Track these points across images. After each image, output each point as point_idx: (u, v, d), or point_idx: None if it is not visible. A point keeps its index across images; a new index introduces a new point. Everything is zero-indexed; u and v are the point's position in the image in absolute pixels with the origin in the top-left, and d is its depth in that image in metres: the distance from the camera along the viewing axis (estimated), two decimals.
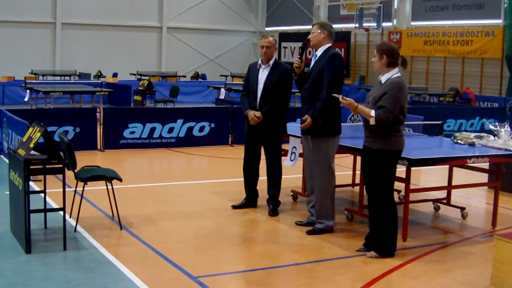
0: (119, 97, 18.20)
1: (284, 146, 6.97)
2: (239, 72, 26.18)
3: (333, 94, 5.59)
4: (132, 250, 5.50)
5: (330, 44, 6.05)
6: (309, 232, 6.10)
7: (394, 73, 5.29)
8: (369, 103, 5.35)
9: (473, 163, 6.18)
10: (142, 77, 22.53)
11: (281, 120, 6.78)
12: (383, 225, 5.40)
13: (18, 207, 5.43)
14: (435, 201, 7.35)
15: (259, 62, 6.82)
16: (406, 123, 5.52)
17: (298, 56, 6.08)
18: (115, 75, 24.48)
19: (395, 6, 23.90)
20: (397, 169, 5.55)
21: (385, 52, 5.30)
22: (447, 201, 7.31)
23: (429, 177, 9.25)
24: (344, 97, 5.40)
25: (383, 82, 5.31)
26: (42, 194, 5.92)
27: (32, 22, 26.00)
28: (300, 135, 6.48)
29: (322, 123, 5.87)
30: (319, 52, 6.05)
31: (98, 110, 11.85)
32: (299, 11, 28.95)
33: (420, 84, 22.19)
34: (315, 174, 6.05)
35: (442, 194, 7.56)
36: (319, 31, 6.02)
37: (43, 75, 23.52)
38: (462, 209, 7.06)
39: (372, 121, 5.18)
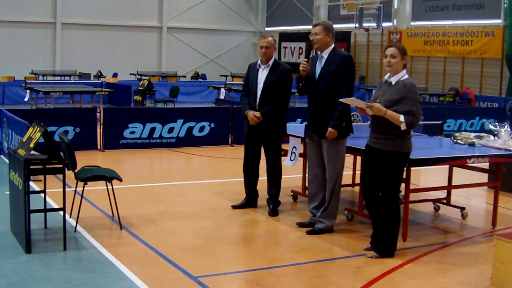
0: (119, 97, 18.20)
1: (284, 146, 6.97)
2: (239, 72, 26.21)
3: (342, 100, 5.59)
4: (132, 250, 5.50)
5: (334, 45, 6.05)
6: (309, 232, 6.10)
7: (403, 74, 5.30)
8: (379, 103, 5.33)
9: (473, 163, 6.19)
10: (142, 77, 22.55)
11: (281, 120, 6.78)
12: (385, 225, 5.40)
13: (18, 207, 5.43)
14: (435, 201, 7.35)
15: (259, 62, 6.81)
16: None
17: (306, 59, 5.97)
18: (115, 75, 24.49)
19: (395, 6, 23.90)
20: None
21: (406, 53, 5.35)
22: (447, 201, 7.31)
23: (429, 177, 9.25)
24: (371, 104, 5.31)
25: (393, 83, 5.30)
26: (42, 194, 5.92)
27: (32, 22, 26.01)
28: (302, 136, 6.49)
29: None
30: (325, 54, 6.01)
31: (98, 110, 11.85)
32: (299, 11, 28.95)
33: (420, 84, 22.16)
34: (329, 175, 6.02)
35: (442, 194, 7.56)
36: (324, 33, 5.96)
37: (43, 75, 23.53)
38: (462, 209, 7.06)
39: (403, 127, 5.17)
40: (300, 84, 6.09)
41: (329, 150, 5.98)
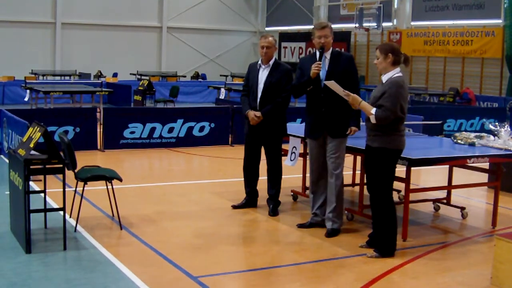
0: (119, 97, 18.20)
1: (284, 146, 6.97)
2: (239, 72, 26.20)
3: (325, 82, 5.64)
4: (132, 250, 5.50)
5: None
6: (328, 235, 6.02)
7: (395, 72, 5.30)
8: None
9: (473, 163, 6.19)
10: (142, 77, 22.55)
11: (281, 120, 6.78)
12: (382, 224, 5.41)
13: (18, 207, 5.43)
14: (435, 201, 7.35)
15: (259, 62, 6.81)
16: (406, 123, 5.53)
17: (319, 62, 5.89)
18: (115, 75, 24.49)
19: (395, 6, 23.90)
20: (397, 169, 5.55)
21: (390, 51, 5.31)
22: (447, 201, 7.31)
23: (429, 177, 9.25)
24: (348, 92, 5.47)
25: (384, 81, 5.34)
26: (42, 194, 5.91)
27: (32, 22, 26.02)
28: (302, 136, 6.48)
29: (343, 124, 5.95)
30: (328, 55, 6.00)
31: (98, 110, 11.85)
32: (299, 11, 28.96)
33: (420, 84, 22.19)
34: (335, 173, 6.01)
35: (442, 194, 7.56)
36: (332, 35, 6.00)
37: (43, 75, 23.53)
38: (462, 209, 7.06)
39: (372, 119, 5.24)
40: (310, 87, 5.96)
41: (336, 149, 5.98)
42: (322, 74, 5.96)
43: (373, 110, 5.23)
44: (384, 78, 5.35)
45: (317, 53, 5.98)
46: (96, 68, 25.30)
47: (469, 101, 18.98)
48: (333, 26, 6.15)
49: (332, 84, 5.59)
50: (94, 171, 6.18)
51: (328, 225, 6.13)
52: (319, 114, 6.02)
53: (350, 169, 8.27)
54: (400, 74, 5.30)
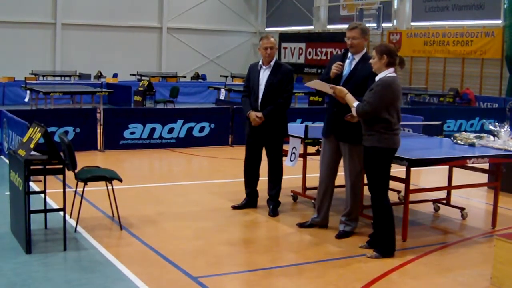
0: (119, 97, 18.21)
1: (284, 147, 6.96)
2: (239, 73, 26.21)
3: (307, 84, 5.63)
4: (132, 250, 5.50)
5: (365, 49, 6.02)
6: (338, 237, 6.02)
7: (388, 72, 5.32)
8: None
9: (473, 163, 6.19)
10: (142, 78, 22.54)
11: (283, 120, 6.78)
12: (380, 223, 5.42)
13: (18, 208, 5.44)
14: (435, 201, 7.35)
15: (260, 63, 6.80)
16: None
17: (341, 63, 5.87)
18: (115, 75, 24.48)
19: (395, 7, 23.90)
20: (397, 170, 5.56)
21: (385, 52, 5.32)
22: (447, 201, 7.31)
23: (429, 177, 9.25)
24: (334, 86, 5.52)
25: (376, 80, 5.37)
26: (42, 195, 5.92)
27: (32, 22, 26.03)
28: (302, 137, 6.47)
29: (354, 129, 5.77)
30: (357, 57, 5.92)
31: (98, 111, 11.85)
32: (299, 11, 28.96)
33: (420, 84, 22.19)
34: (353, 179, 5.98)
35: (442, 194, 7.56)
36: (362, 37, 5.90)
37: (43, 76, 23.52)
38: (462, 209, 7.06)
39: (353, 112, 5.34)
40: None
41: (351, 155, 5.94)
42: (344, 74, 5.91)
43: (355, 104, 5.31)
44: (377, 78, 5.39)
45: (347, 55, 5.93)
46: (96, 68, 25.30)
47: (469, 102, 18.99)
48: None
49: (315, 84, 5.59)
50: (94, 171, 6.18)
51: (341, 227, 6.12)
52: (332, 114, 6.01)
53: None
54: (393, 74, 5.33)
